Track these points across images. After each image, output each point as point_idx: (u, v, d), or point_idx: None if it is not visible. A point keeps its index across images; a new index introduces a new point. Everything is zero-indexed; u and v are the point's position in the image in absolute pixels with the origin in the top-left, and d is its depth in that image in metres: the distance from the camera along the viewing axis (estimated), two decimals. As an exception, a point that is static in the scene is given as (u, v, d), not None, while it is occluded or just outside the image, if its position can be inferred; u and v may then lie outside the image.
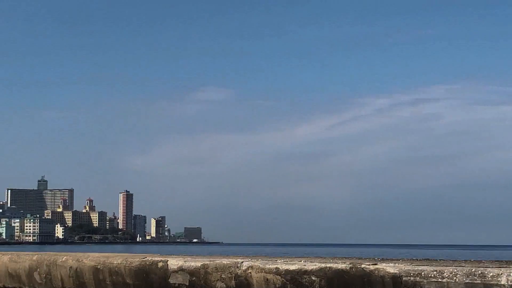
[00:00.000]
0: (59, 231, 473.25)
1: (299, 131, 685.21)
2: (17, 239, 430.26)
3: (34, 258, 9.87)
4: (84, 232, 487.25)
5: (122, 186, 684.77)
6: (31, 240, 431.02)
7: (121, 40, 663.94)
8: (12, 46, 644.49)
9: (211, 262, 7.93)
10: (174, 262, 8.27)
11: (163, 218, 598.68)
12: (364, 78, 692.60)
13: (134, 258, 8.56)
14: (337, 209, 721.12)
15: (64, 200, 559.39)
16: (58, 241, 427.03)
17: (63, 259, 9.37)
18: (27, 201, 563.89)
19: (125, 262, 8.65)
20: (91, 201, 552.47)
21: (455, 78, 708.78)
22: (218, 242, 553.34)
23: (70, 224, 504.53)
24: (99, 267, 8.90)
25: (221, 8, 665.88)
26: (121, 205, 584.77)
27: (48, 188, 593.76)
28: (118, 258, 8.80)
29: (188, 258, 8.15)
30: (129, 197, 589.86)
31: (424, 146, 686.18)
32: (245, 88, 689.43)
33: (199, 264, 7.99)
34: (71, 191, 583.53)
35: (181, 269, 8.14)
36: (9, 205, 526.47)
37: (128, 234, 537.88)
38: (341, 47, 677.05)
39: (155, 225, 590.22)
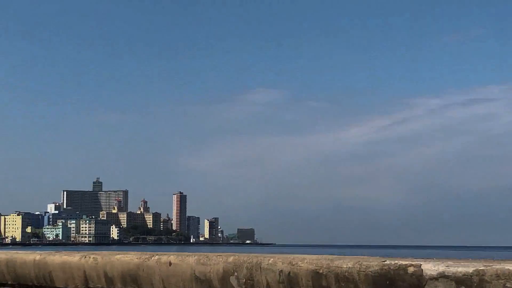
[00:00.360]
0: (114, 232, 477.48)
1: (350, 132, 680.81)
2: (73, 240, 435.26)
3: (230, 260, 7.29)
4: (138, 233, 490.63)
5: (176, 187, 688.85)
6: (87, 241, 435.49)
7: (175, 42, 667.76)
8: (69, 47, 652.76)
9: (489, 268, 5.80)
10: (430, 267, 5.91)
11: (216, 219, 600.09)
12: (416, 78, 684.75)
13: (371, 262, 6.50)
14: (389, 210, 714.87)
15: (119, 202, 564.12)
16: (113, 242, 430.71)
17: (270, 261, 6.86)
18: (83, 203, 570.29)
19: (358, 266, 6.22)
20: (145, 202, 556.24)
21: (510, 78, 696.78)
22: (271, 244, 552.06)
23: (125, 225, 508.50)
24: (321, 271, 6.55)
25: (270, 7, 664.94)
26: (175, 206, 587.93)
27: (103, 190, 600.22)
28: (347, 261, 6.42)
29: (450, 262, 6.05)
30: (182, 198, 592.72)
31: (478, 147, 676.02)
32: (296, 89, 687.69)
33: (470, 269, 5.90)
34: (125, 193, 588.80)
35: (442, 276, 6.01)
36: (65, 206, 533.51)
37: (182, 235, 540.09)
38: (392, 47, 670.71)
39: (208, 226, 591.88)
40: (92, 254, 8.74)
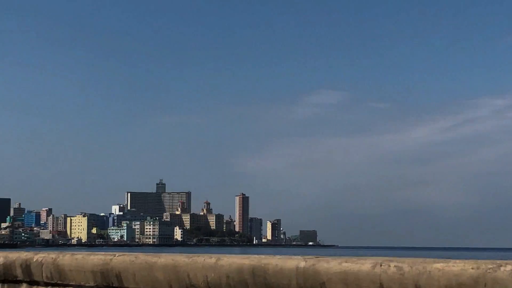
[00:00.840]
0: (177, 234, 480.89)
1: (413, 133, 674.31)
2: (137, 242, 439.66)
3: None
4: (202, 235, 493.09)
5: (238, 188, 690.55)
6: (151, 242, 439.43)
7: (237, 44, 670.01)
8: (130, 51, 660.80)
9: None
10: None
11: (278, 221, 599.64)
12: (480, 78, 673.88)
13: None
14: (453, 212, 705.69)
15: (182, 203, 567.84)
16: (177, 244, 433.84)
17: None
18: (146, 204, 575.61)
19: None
20: (208, 203, 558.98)
21: None
22: (334, 245, 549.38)
23: (188, 227, 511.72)
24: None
25: (334, 7, 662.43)
26: (238, 208, 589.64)
27: (166, 191, 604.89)
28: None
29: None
30: (245, 200, 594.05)
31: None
32: (358, 90, 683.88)
33: None
34: (188, 194, 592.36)
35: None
36: (128, 207, 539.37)
37: (245, 236, 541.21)
38: (455, 47, 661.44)
39: (270, 228, 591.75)
40: (389, 261, 5.80)
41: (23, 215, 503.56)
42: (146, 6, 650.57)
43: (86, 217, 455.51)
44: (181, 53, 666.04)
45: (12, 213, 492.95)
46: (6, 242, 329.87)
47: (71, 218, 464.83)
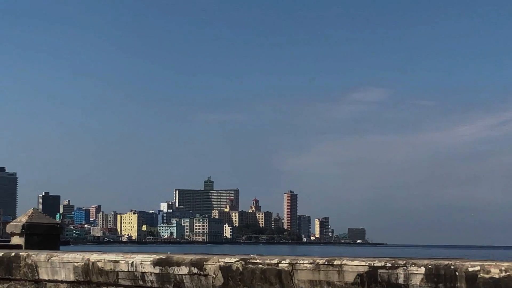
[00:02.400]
0: (227, 231, 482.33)
1: (459, 131, 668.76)
2: (187, 239, 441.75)
3: None
4: (250, 232, 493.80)
5: (285, 186, 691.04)
6: (201, 239, 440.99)
7: (279, 40, 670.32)
8: (178, 51, 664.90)
9: None
10: None
11: (326, 218, 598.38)
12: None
13: None
14: (500, 210, 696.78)
15: (231, 200, 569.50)
16: (226, 241, 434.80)
17: None
18: (194, 201, 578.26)
19: None
20: (256, 201, 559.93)
21: None
22: (383, 243, 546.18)
23: (237, 224, 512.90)
24: None
25: (379, 6, 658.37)
26: (286, 206, 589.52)
27: (214, 189, 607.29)
28: None
29: None
30: (293, 198, 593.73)
31: None
32: (403, 87, 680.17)
33: None
34: (236, 192, 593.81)
35: None
36: (177, 205, 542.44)
37: (294, 234, 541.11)
38: (500, 45, 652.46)
39: (319, 225, 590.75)
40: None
41: (72, 212, 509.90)
42: (188, 7, 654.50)
43: (136, 214, 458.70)
44: (224, 52, 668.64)
45: (61, 210, 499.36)
46: (63, 239, 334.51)
47: (121, 215, 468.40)
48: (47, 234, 16.42)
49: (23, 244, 15.93)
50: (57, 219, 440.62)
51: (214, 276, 8.39)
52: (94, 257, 10.17)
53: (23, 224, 16.08)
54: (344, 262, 7.07)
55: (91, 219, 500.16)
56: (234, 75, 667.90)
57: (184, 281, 8.80)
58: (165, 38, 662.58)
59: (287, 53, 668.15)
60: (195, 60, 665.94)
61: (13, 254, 12.11)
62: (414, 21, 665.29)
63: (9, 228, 16.56)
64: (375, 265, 7.05)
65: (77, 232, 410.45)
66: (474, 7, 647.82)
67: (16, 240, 16.23)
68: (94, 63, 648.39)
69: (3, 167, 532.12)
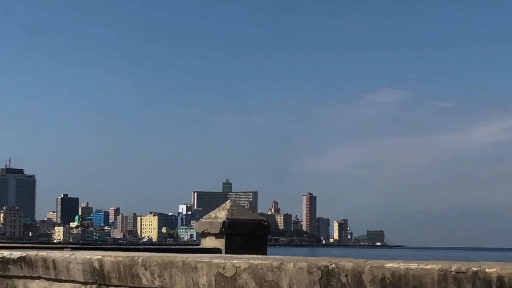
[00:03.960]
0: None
1: (477, 132, 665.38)
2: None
3: None
4: (270, 234, 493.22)
5: (304, 188, 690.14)
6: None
7: (300, 41, 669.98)
8: (195, 51, 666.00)
9: None
10: None
11: (345, 221, 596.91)
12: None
13: None
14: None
15: (250, 202, 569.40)
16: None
17: None
18: (213, 203, 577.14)
19: None
20: (276, 203, 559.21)
21: None
22: (402, 246, 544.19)
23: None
24: None
25: (397, 6, 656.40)
26: (305, 208, 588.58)
27: (232, 191, 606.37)
28: None
29: None
30: (312, 200, 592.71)
31: None
32: (421, 89, 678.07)
33: None
34: (255, 193, 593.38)
35: None
36: (195, 207, 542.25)
37: (313, 237, 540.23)
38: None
39: (338, 228, 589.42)
40: None
41: (91, 214, 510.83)
42: (213, 6, 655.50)
43: (156, 217, 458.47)
44: (243, 53, 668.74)
45: (80, 212, 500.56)
46: (81, 241, 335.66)
47: (142, 217, 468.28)
48: (252, 235, 13.20)
49: (223, 248, 12.78)
50: (76, 221, 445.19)
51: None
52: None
53: (223, 222, 12.85)
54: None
55: (110, 221, 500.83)
56: (253, 77, 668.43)
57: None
58: (185, 40, 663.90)
59: (304, 55, 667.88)
60: (213, 61, 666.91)
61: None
62: (431, 21, 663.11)
63: (200, 227, 13.46)
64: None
65: (97, 235, 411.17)
66: (492, 7, 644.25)
67: (210, 242, 13.05)
68: (114, 67, 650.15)
69: (22, 169, 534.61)
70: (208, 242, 13.03)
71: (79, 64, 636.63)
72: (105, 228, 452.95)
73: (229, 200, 13.94)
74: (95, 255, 9.12)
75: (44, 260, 9.80)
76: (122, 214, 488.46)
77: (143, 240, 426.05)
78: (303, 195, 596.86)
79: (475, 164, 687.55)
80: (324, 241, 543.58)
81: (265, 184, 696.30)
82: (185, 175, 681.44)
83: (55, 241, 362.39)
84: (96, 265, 8.99)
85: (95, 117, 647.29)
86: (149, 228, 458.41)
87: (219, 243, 12.76)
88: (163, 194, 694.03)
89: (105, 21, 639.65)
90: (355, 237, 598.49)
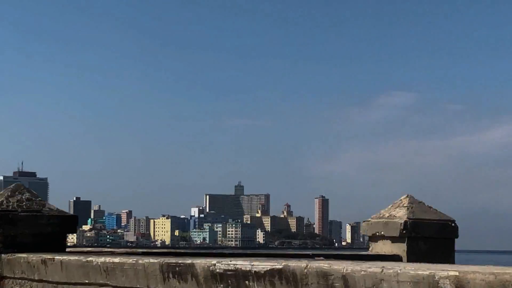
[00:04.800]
0: (259, 236, 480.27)
1: (489, 135, 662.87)
2: (220, 244, 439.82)
3: None
4: (283, 237, 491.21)
5: (317, 191, 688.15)
6: (233, 245, 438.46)
7: (308, 46, 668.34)
8: (206, 55, 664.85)
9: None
10: None
11: (357, 224, 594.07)
12: None
13: None
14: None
15: (262, 205, 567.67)
16: (260, 246, 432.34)
17: None
18: (225, 206, 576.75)
19: None
20: (288, 206, 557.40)
21: None
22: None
23: (269, 229, 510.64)
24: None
25: (406, 8, 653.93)
26: (317, 210, 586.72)
27: (244, 193, 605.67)
28: None
29: None
30: (324, 203, 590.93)
31: None
32: (432, 91, 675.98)
33: None
34: (267, 196, 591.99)
35: None
36: (207, 210, 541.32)
37: (326, 239, 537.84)
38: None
39: (350, 231, 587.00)
40: None
41: (103, 217, 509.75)
42: (224, 12, 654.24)
43: (169, 219, 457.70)
44: (255, 57, 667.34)
45: (92, 215, 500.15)
46: (95, 244, 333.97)
47: (155, 220, 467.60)
48: (438, 239, 10.82)
49: (404, 255, 10.35)
50: (89, 224, 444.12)
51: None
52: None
53: (405, 222, 10.58)
54: None
55: (122, 224, 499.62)
56: (265, 81, 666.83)
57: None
58: (196, 45, 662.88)
59: (314, 58, 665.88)
60: (225, 65, 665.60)
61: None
62: (442, 25, 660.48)
63: (370, 228, 11.25)
64: None
65: (111, 238, 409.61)
66: (504, 11, 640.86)
67: (385, 247, 10.91)
68: (126, 72, 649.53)
69: (34, 173, 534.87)
70: (382, 247, 10.97)
71: (92, 67, 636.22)
72: (118, 231, 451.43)
73: (404, 196, 10.99)
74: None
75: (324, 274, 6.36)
76: (135, 217, 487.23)
77: (156, 243, 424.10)
78: (315, 198, 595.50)
79: (486, 167, 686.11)
80: (336, 244, 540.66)
81: (277, 187, 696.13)
82: (197, 178, 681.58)
83: (68, 244, 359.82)
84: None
85: (107, 121, 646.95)
86: (162, 231, 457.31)
87: (398, 249, 10.49)
88: (175, 197, 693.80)
89: (118, 27, 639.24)
90: (367, 240, 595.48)
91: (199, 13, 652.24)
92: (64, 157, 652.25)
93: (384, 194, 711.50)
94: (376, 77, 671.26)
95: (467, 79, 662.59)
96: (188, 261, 7.85)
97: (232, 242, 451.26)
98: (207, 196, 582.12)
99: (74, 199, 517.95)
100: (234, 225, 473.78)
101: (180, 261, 7.95)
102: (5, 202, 10.72)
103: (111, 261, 8.69)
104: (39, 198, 11.06)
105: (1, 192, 11.06)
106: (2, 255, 10.54)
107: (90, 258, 9.03)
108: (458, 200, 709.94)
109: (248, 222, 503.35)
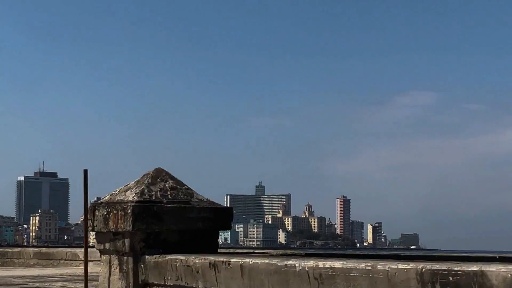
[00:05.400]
0: (281, 237, 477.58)
1: (509, 134, 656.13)
2: (241, 244, 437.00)
3: None
4: (304, 238, 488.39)
5: (338, 191, 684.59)
6: (255, 245, 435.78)
7: (329, 43, 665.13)
8: (226, 54, 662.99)
9: None
10: None
11: (379, 224, 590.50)
12: None
13: None
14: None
15: (284, 205, 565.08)
16: (281, 247, 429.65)
17: None
18: (246, 207, 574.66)
19: None
20: (309, 206, 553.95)
21: None
22: (436, 249, 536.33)
23: (290, 229, 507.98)
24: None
25: (427, 7, 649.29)
26: (339, 211, 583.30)
27: (265, 194, 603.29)
28: None
29: None
30: (346, 203, 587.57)
31: None
32: (451, 91, 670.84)
33: None
34: (288, 197, 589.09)
35: None
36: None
37: (348, 240, 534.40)
38: None
39: (371, 231, 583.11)
40: None
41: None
42: (247, 9, 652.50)
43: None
44: (275, 56, 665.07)
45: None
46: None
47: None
48: None
49: None
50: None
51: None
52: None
53: None
54: None
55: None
56: (286, 79, 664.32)
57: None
58: (218, 43, 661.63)
59: (334, 57, 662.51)
60: (246, 65, 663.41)
61: None
62: (462, 24, 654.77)
63: None
64: None
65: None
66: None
67: None
68: (147, 72, 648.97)
69: (55, 173, 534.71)
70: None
71: (112, 67, 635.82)
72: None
73: None
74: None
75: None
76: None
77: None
78: (337, 198, 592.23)
79: (508, 166, 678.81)
80: (358, 244, 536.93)
81: (297, 187, 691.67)
82: (218, 178, 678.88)
83: (90, 244, 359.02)
84: None
85: (128, 120, 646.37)
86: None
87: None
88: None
89: (141, 26, 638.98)
90: (389, 240, 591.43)
91: (223, 11, 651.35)
92: (85, 157, 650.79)
93: (404, 194, 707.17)
94: (397, 77, 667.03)
95: (488, 78, 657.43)
96: (472, 268, 5.33)
97: (254, 243, 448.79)
98: (228, 197, 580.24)
99: (95, 199, 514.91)
100: (255, 225, 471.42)
101: (456, 268, 5.37)
102: (146, 191, 8.56)
103: (327, 266, 6.40)
104: (185, 186, 8.91)
105: (139, 179, 8.95)
106: (146, 256, 8.35)
107: (290, 262, 6.77)
108: (479, 200, 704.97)
109: (270, 222, 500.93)
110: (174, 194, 8.63)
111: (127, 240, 8.39)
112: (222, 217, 9.08)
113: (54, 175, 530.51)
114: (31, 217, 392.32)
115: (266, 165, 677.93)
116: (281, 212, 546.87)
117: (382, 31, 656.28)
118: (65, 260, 21.76)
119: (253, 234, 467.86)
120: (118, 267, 8.55)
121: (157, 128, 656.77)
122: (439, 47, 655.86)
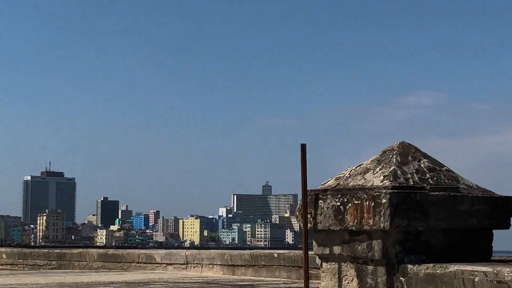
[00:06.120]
0: (289, 237, 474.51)
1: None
2: (249, 244, 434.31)
3: None
4: (311, 238, 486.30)
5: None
6: (263, 245, 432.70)
7: (336, 45, 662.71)
8: (233, 55, 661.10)
9: None
10: None
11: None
12: None
13: None
14: None
15: (291, 205, 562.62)
16: (289, 246, 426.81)
17: None
18: (252, 206, 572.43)
19: None
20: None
21: None
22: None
23: (297, 229, 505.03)
24: None
25: (431, 8, 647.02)
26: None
27: (272, 194, 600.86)
28: None
29: None
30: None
31: None
32: (457, 91, 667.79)
33: None
34: (295, 196, 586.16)
35: None
36: (235, 210, 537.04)
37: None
38: None
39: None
40: None
41: (131, 218, 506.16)
42: (252, 9, 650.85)
43: (198, 219, 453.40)
44: (280, 57, 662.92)
45: (120, 215, 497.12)
46: (126, 244, 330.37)
47: (184, 220, 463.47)
48: None
49: None
50: (116, 224, 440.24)
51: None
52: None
53: None
54: None
55: (150, 224, 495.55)
56: (292, 81, 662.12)
57: None
58: (224, 44, 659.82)
59: (339, 58, 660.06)
60: (252, 65, 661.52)
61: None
62: (468, 24, 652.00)
63: None
64: None
65: (140, 238, 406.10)
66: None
67: None
68: (155, 72, 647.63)
69: (62, 172, 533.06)
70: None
71: (121, 67, 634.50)
72: (147, 231, 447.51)
73: None
74: None
75: None
76: (163, 217, 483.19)
77: (185, 243, 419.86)
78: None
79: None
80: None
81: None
82: (224, 178, 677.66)
83: (97, 244, 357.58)
84: None
85: (134, 121, 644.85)
86: (191, 231, 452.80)
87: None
88: (202, 197, 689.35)
89: (144, 28, 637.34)
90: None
91: (231, 9, 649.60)
92: (91, 157, 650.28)
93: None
94: (403, 77, 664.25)
95: (494, 78, 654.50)
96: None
97: (261, 243, 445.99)
98: (235, 196, 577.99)
99: (102, 199, 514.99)
100: (263, 225, 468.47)
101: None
102: (400, 173, 6.07)
103: None
104: (445, 167, 6.42)
105: (377, 157, 6.54)
106: (409, 266, 5.86)
107: None
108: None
109: (277, 222, 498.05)
110: (436, 178, 6.11)
111: (376, 242, 5.91)
112: (499, 210, 6.47)
113: (60, 174, 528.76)
114: (38, 217, 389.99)
115: (273, 165, 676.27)
116: (288, 212, 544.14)
117: (390, 31, 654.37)
118: (137, 263, 19.35)
119: (261, 234, 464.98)
120: (355, 279, 6.12)
121: (165, 127, 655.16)
122: (445, 47, 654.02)
